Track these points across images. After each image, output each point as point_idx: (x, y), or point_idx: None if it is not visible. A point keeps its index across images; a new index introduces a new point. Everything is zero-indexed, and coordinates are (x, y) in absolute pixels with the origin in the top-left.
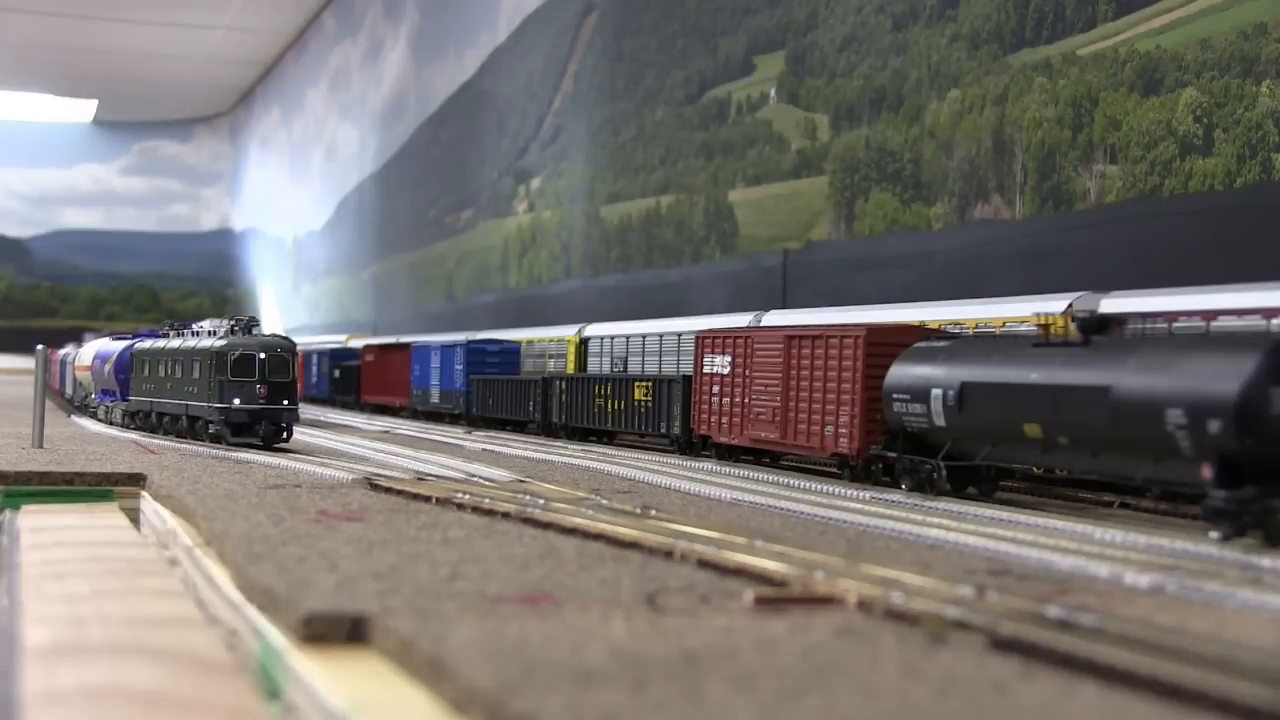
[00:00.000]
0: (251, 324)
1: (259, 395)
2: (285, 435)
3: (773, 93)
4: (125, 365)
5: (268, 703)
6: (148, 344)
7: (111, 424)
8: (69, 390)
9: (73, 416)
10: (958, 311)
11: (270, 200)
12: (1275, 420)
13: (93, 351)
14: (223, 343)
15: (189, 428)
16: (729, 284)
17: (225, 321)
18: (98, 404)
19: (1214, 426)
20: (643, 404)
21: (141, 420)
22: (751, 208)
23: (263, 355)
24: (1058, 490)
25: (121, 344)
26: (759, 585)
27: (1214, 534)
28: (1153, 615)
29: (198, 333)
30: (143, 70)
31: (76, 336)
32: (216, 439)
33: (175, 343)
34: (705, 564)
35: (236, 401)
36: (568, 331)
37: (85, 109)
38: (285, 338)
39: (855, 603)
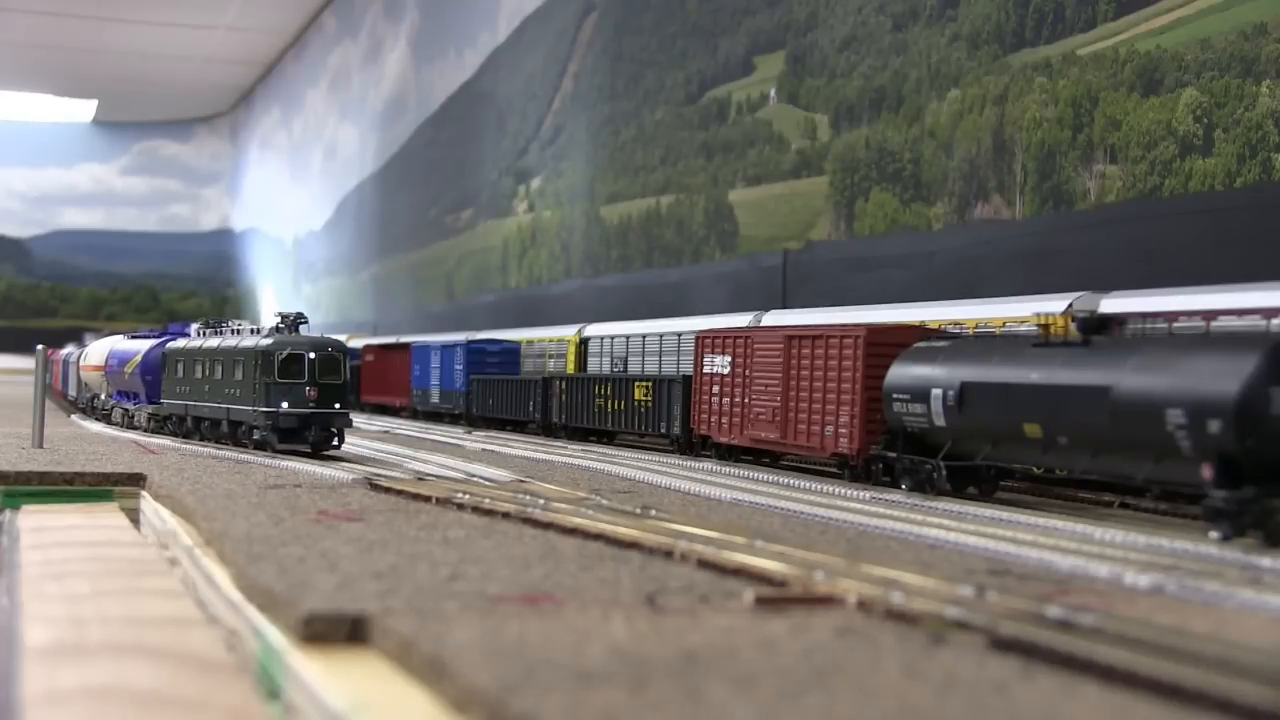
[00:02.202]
0: (299, 321)
1: (308, 398)
2: (337, 442)
3: (773, 93)
4: (154, 366)
5: (268, 703)
6: (181, 343)
7: (132, 428)
8: (72, 391)
9: (73, 417)
10: (958, 311)
11: (270, 200)
12: (1275, 420)
13: (105, 351)
14: (269, 341)
15: (230, 433)
16: (729, 284)
17: (272, 318)
18: (113, 406)
19: (1214, 426)
20: (643, 404)
21: (175, 425)
22: (751, 208)
23: (312, 355)
24: (1058, 490)
25: (144, 343)
26: (759, 585)
27: (1214, 534)
28: (1153, 615)
29: (238, 331)
30: (143, 70)
31: (76, 336)
32: (261, 445)
33: (214, 342)
34: (705, 564)
35: (284, 405)
36: (568, 331)
37: (85, 109)
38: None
39: (855, 603)
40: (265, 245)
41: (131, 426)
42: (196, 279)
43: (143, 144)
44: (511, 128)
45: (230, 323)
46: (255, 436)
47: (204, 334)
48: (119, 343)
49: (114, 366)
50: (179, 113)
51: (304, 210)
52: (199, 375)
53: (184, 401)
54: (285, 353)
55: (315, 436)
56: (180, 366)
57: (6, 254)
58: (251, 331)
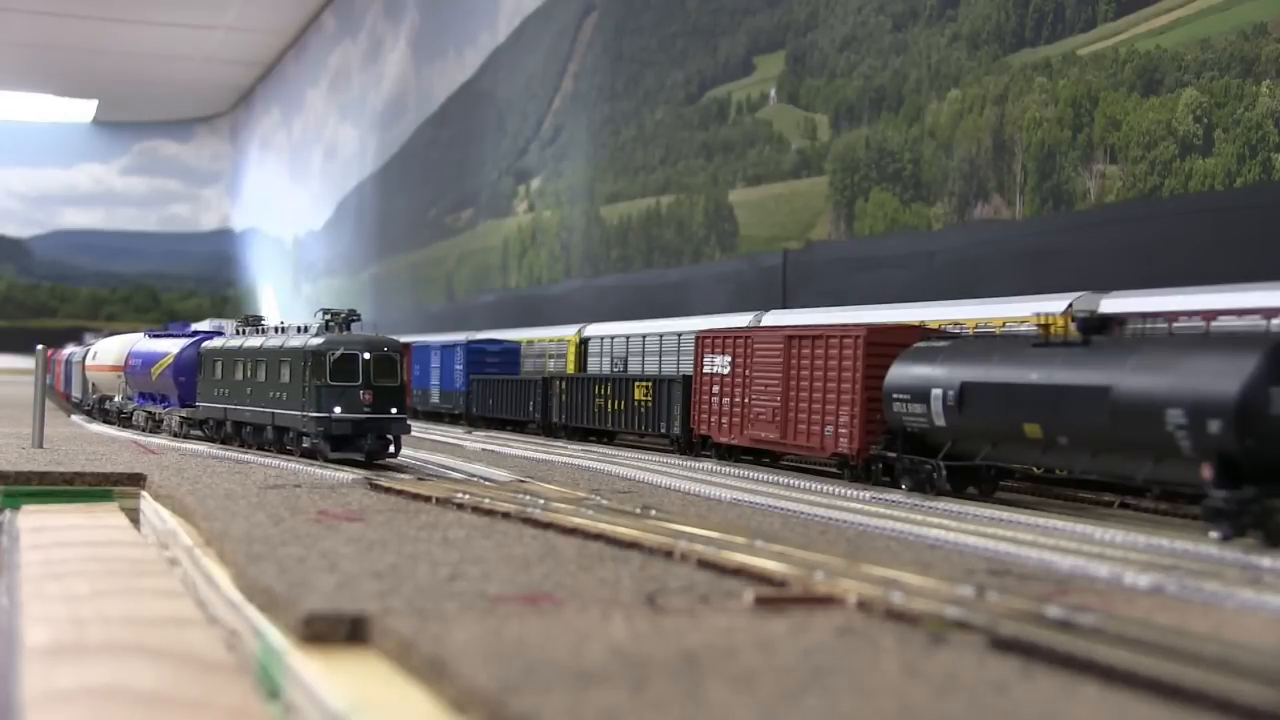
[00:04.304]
0: (351, 319)
1: (363, 402)
2: (394, 450)
3: (773, 93)
4: (189, 366)
5: (268, 703)
6: (219, 342)
7: (157, 432)
8: (76, 392)
9: (73, 417)
10: (958, 311)
11: (270, 200)
12: (1275, 420)
13: (122, 350)
14: (320, 341)
15: (275, 440)
16: (729, 284)
17: (318, 316)
18: (134, 409)
19: (1214, 426)
20: (643, 404)
21: (212, 430)
22: (751, 208)
23: (367, 355)
24: (1058, 490)
25: (174, 341)
26: (759, 585)
27: (1214, 534)
28: (1153, 615)
29: (282, 329)
30: (143, 70)
31: (76, 336)
32: (310, 454)
33: (256, 341)
34: (705, 564)
35: (337, 410)
36: (568, 331)
37: (85, 109)
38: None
39: (855, 603)
40: (265, 245)
41: (156, 430)
42: (196, 279)
43: (143, 144)
44: (511, 128)
45: (266, 319)
46: (305, 444)
47: (243, 332)
48: (141, 342)
49: (137, 367)
50: (179, 113)
51: (304, 210)
52: (240, 377)
53: (223, 405)
54: (338, 353)
55: (371, 445)
56: (218, 367)
57: (6, 254)
58: (298, 330)
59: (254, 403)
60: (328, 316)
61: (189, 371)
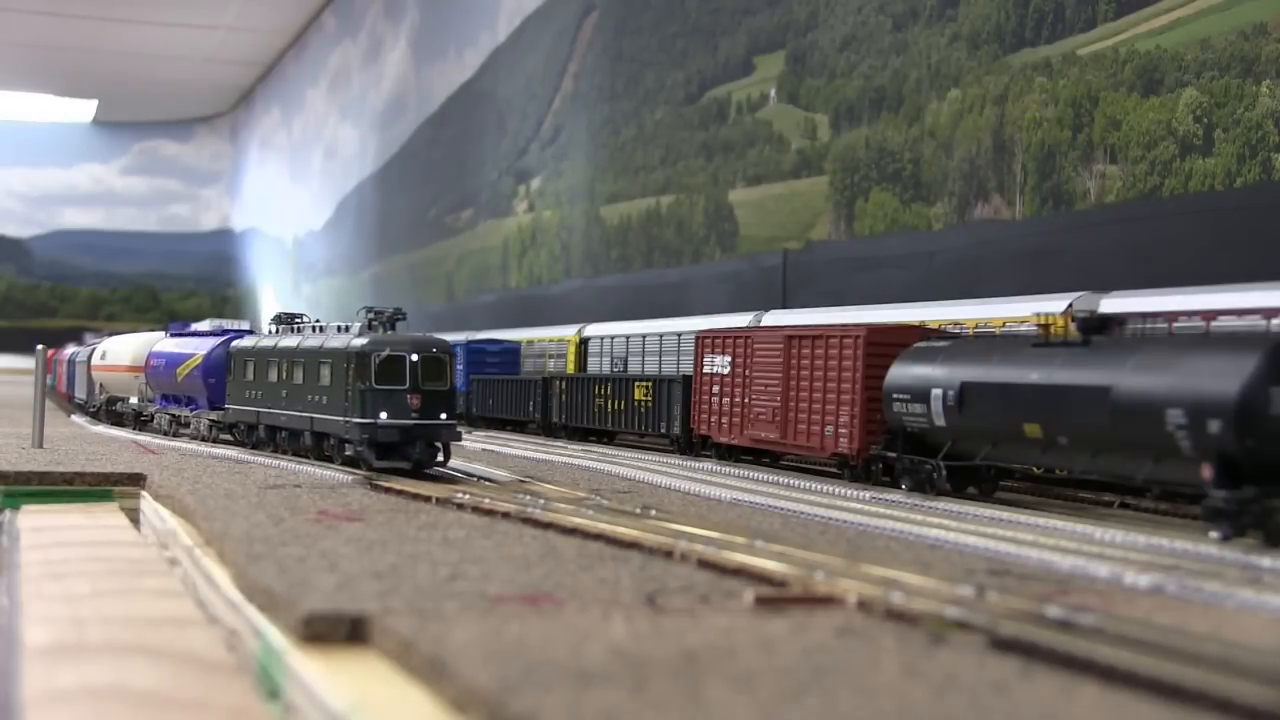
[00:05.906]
0: (396, 318)
1: (410, 407)
2: (444, 458)
3: (773, 93)
4: (218, 366)
5: (268, 703)
6: (250, 341)
7: (175, 435)
8: (80, 393)
9: (73, 417)
10: (958, 311)
11: (270, 200)
12: (1275, 420)
13: (141, 350)
14: (364, 341)
15: (314, 446)
16: (729, 284)
17: (361, 315)
18: (155, 411)
19: (1214, 426)
20: (643, 404)
21: (243, 434)
22: (751, 208)
23: (415, 357)
24: (1058, 490)
25: (202, 340)
26: (759, 585)
27: (1214, 534)
28: (1153, 615)
29: (319, 328)
30: (143, 70)
31: (77, 336)
32: (353, 462)
33: (292, 340)
34: (705, 564)
35: (383, 415)
36: (568, 331)
37: (85, 109)
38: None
39: (855, 603)
40: (265, 245)
41: (180, 434)
42: (196, 279)
43: (143, 144)
44: (511, 128)
45: (304, 318)
46: (347, 451)
47: (278, 331)
48: (163, 341)
49: (159, 368)
50: (179, 113)
51: (304, 210)
52: (274, 379)
53: (255, 408)
54: (384, 354)
55: (419, 453)
56: (250, 368)
57: (6, 254)
58: (339, 329)
59: (290, 406)
60: (371, 315)
61: (219, 372)
